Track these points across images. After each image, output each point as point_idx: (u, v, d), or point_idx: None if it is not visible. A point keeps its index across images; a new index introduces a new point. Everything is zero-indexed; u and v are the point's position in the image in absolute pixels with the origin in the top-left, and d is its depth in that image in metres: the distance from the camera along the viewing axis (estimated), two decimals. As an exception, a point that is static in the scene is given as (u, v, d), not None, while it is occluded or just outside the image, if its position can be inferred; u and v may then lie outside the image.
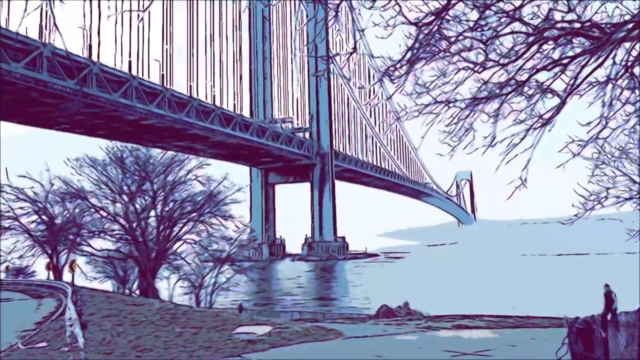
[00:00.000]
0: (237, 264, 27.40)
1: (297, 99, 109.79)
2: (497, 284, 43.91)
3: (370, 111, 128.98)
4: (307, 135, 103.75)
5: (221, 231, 27.14)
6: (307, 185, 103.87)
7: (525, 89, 6.65)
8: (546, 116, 6.52)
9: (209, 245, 26.92)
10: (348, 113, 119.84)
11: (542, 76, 6.56)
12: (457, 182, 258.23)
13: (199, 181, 27.46)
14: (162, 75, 71.91)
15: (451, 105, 6.83)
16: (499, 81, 6.77)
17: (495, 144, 6.62)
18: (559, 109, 6.43)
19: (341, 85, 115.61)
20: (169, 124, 67.42)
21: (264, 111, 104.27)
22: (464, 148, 7.05)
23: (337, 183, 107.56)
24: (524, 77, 6.60)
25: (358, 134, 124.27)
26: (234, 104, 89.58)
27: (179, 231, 26.60)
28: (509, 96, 6.65)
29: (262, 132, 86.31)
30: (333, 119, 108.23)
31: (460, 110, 6.86)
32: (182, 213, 26.55)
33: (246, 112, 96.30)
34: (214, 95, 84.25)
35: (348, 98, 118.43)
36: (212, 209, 26.80)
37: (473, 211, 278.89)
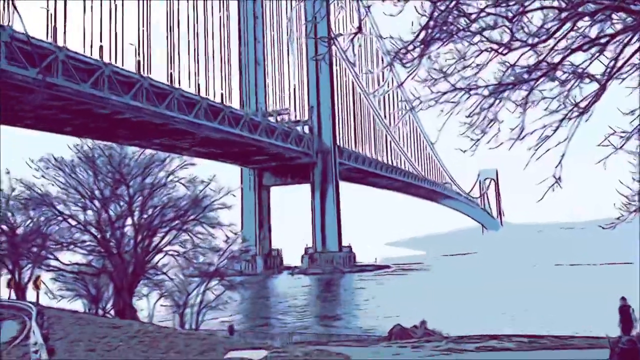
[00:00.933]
0: (227, 279, 27.42)
1: (295, 87, 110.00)
2: (528, 299, 43.91)
3: (379, 101, 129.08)
4: (306, 129, 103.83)
5: (208, 241, 27.18)
6: (307, 187, 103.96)
7: (558, 73, 6.64)
8: (582, 104, 6.50)
9: (194, 257, 26.95)
10: (353, 103, 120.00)
11: (577, 58, 6.55)
12: (480, 182, 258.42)
13: (182, 184, 27.51)
14: (139, 61, 71.96)
15: (472, 92, 6.81)
16: (528, 64, 6.76)
17: (524, 136, 6.61)
18: (597, 95, 6.41)
19: (345, 71, 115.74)
20: (147, 118, 67.54)
21: (257, 102, 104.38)
22: (488, 142, 7.04)
23: (342, 184, 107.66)
24: (557, 59, 6.59)
25: (365, 127, 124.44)
26: (222, 94, 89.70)
27: (160, 242, 26.63)
28: (539, 81, 6.64)
29: (254, 126, 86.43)
30: (336, 110, 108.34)
31: (483, 98, 6.85)
32: (163, 221, 26.58)
33: (236, 104, 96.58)
34: (199, 85, 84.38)
35: (353, 86, 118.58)
36: (197, 216, 26.83)
37: (499, 215, 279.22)
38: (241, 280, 29.28)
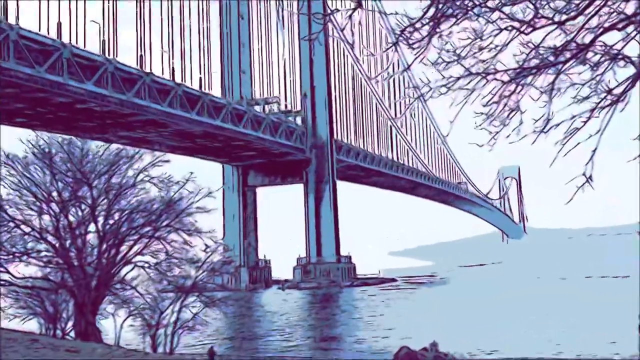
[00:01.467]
0: (206, 295, 27.39)
1: (285, 72, 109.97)
2: (554, 317, 44.09)
3: (383, 88, 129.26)
4: (298, 120, 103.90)
5: (185, 251, 27.13)
6: (300, 187, 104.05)
7: (589, 55, 6.67)
8: (617, 91, 6.53)
9: (168, 269, 26.90)
10: (353, 91, 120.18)
11: (611, 38, 6.57)
12: (500, 181, 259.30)
13: (153, 184, 27.45)
14: (103, 41, 71.73)
15: (490, 78, 6.84)
16: (554, 45, 6.78)
17: (550, 129, 6.64)
18: (633, 81, 6.44)
19: (343, 53, 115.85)
20: (114, 108, 67.31)
21: (241, 89, 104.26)
22: (508, 136, 7.07)
23: (340, 184, 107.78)
24: (587, 39, 6.62)
25: (367, 118, 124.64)
26: (201, 80, 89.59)
27: (128, 251, 26.57)
28: (568, 65, 6.67)
29: (238, 116, 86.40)
30: (333, 99, 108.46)
31: (502, 84, 6.88)
32: (131, 227, 26.52)
33: (216, 91, 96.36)
34: (173, 69, 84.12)
35: (353, 71, 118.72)
36: (172, 222, 26.79)
37: (522, 220, 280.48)
38: (223, 296, 29.22)
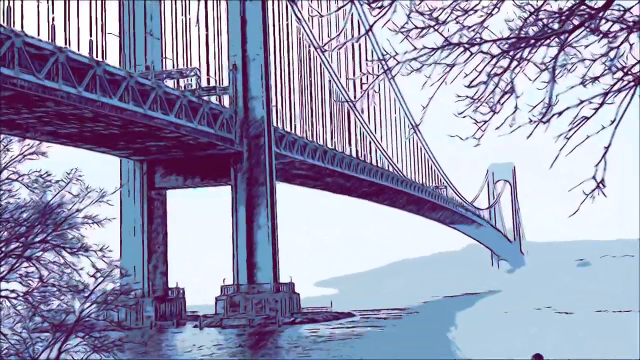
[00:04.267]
0: (95, 335, 26.89)
1: (208, 35, 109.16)
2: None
3: (337, 60, 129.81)
4: (226, 101, 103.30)
5: (67, 276, 26.56)
6: (227, 190, 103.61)
7: (602, 23, 6.81)
8: (636, 69, 6.69)
9: (43, 301, 26.28)
10: (300, 64, 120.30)
11: (629, 2, 6.71)
12: (490, 184, 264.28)
13: (23, 184, 26.75)
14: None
15: (476, 50, 6.92)
16: (559, 9, 6.91)
17: (551, 117, 6.75)
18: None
19: (286, 10, 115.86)
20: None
21: (146, 57, 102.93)
22: (499, 127, 7.17)
23: (281, 186, 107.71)
24: (599, 3, 6.76)
25: (318, 100, 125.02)
26: (91, 43, 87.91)
27: (-12, 276, 25.89)
28: (575, 35, 6.80)
29: (142, 94, 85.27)
30: (273, 72, 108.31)
31: (491, 58, 6.97)
32: (-8, 243, 25.85)
33: (112, 59, 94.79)
34: (53, 27, 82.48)
35: (300, 35, 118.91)
36: (48, 236, 26.17)
37: (517, 235, 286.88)
38: (119, 336, 28.76)
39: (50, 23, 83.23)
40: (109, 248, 28.79)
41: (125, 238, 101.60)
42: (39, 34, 78.47)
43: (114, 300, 28.28)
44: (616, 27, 6.67)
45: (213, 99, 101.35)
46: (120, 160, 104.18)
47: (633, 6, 6.61)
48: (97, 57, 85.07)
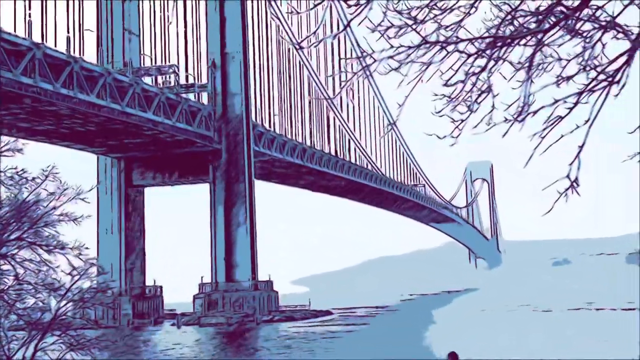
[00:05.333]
0: (72, 334, 26.73)
1: (187, 32, 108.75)
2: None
3: (316, 57, 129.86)
4: (204, 98, 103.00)
5: (42, 274, 26.40)
6: (205, 188, 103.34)
7: (579, 23, 6.85)
8: (611, 69, 6.73)
9: (18, 299, 26.11)
10: (279, 61, 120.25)
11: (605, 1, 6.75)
12: (467, 183, 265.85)
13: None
14: None
15: (453, 49, 6.96)
16: (536, 9, 6.96)
17: (526, 116, 6.81)
18: (629, 57, 6.66)
19: (266, 8, 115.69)
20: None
21: (124, 53, 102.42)
22: (476, 125, 7.22)
23: (259, 184, 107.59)
24: (577, 2, 6.82)
25: (297, 97, 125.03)
26: (69, 39, 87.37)
27: (-38, 274, 25.67)
28: (550, 34, 6.85)
29: (120, 90, 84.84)
30: (252, 70, 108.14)
31: (468, 57, 7.01)
32: (-34, 241, 25.63)
33: (90, 55, 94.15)
34: (30, 23, 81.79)
35: (279, 33, 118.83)
36: (24, 233, 26.00)
37: (495, 233, 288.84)
38: (96, 335, 28.61)
39: (27, 19, 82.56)
40: (85, 246, 28.62)
41: (102, 236, 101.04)
42: (15, 30, 77.89)
43: (91, 299, 28.13)
44: (590, 26, 6.74)
45: (191, 96, 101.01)
46: (98, 158, 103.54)
47: (605, 4, 6.68)
48: (74, 53, 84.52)
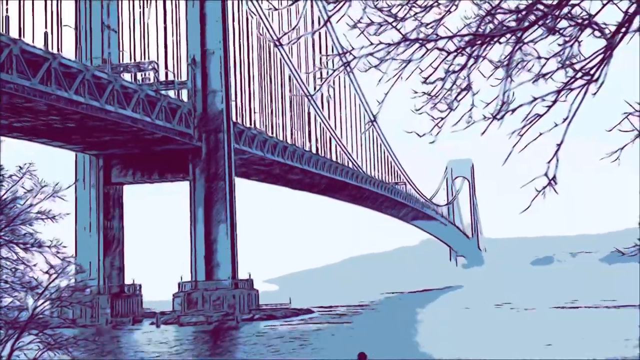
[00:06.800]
0: (49, 333, 26.56)
1: (167, 29, 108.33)
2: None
3: (297, 54, 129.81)
4: (184, 95, 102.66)
5: (19, 272, 26.21)
6: (185, 186, 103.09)
7: (558, 21, 6.90)
8: (590, 66, 6.79)
9: (-5, 298, 25.94)
10: (260, 58, 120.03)
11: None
12: (448, 181, 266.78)
13: (-26, 178, 26.34)
14: None
15: (433, 46, 7.00)
16: (516, 7, 7.01)
17: (505, 114, 6.85)
18: (604, 54, 6.72)
19: (247, 4, 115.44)
20: None
21: (102, 49, 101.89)
22: (455, 123, 7.26)
23: (240, 182, 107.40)
24: (556, 1, 6.87)
25: (278, 95, 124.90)
26: (46, 35, 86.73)
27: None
28: (530, 32, 6.90)
29: (99, 87, 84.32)
30: (232, 67, 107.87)
31: (447, 55, 7.05)
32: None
33: (68, 52, 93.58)
34: (7, 19, 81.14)
35: (261, 29, 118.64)
36: (1, 231, 25.79)
37: (475, 232, 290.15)
38: (74, 334, 28.45)
39: (4, 14, 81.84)
40: (63, 244, 28.42)
41: (81, 234, 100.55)
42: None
43: (69, 297, 27.94)
44: (566, 24, 6.79)
45: (171, 93, 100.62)
46: (76, 155, 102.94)
47: (581, 1, 6.74)
48: (52, 49, 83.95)
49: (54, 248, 27.11)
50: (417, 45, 6.88)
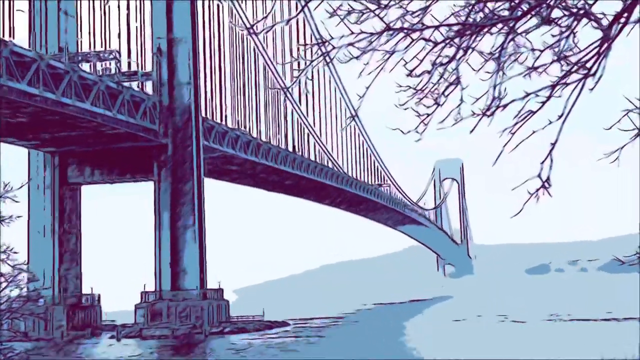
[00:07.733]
0: (-1, 348, 26.44)
1: (130, 15, 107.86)
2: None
3: (272, 44, 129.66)
4: (149, 88, 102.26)
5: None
6: (149, 186, 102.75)
7: (553, 10, 6.94)
8: (587, 59, 6.82)
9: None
10: (231, 48, 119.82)
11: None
12: (436, 182, 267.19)
13: None
14: None
15: (418, 36, 7.02)
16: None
17: (495, 111, 6.88)
18: (600, 47, 6.77)
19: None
20: None
21: (59, 37, 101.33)
22: (442, 120, 7.28)
23: (209, 182, 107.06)
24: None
25: (251, 88, 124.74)
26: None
27: None
28: (523, 22, 6.95)
29: (55, 78, 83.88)
30: (202, 57, 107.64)
31: (434, 46, 7.08)
32: None
33: (21, 39, 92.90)
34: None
35: (233, 16, 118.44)
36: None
37: (465, 237, 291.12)
38: (25, 349, 28.32)
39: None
40: (14, 250, 28.32)
41: (34, 238, 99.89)
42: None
43: (20, 308, 27.80)
44: (561, 13, 6.82)
45: (134, 85, 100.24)
46: (29, 152, 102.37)
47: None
48: (3, 36, 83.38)
49: (4, 254, 26.96)
50: (401, 35, 6.91)
